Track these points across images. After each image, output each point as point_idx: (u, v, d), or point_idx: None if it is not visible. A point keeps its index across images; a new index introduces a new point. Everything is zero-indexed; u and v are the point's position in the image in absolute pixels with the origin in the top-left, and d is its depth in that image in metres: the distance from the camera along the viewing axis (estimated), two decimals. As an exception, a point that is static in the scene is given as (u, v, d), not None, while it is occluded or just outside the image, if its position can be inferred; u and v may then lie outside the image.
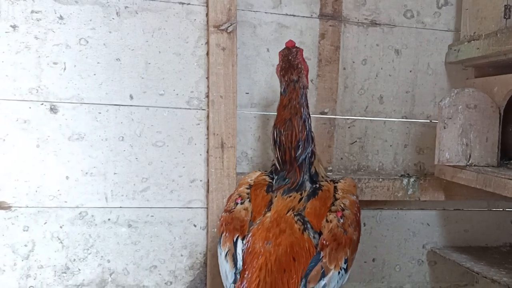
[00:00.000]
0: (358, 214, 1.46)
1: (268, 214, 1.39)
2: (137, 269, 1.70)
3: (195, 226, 1.74)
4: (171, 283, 1.74)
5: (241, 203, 1.43)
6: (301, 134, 1.45)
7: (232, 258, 1.34)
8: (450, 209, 2.07)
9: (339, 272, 1.34)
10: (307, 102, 1.47)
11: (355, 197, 1.48)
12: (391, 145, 1.97)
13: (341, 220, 1.38)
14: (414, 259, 2.04)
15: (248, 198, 1.44)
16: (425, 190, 1.91)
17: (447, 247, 2.05)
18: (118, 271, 1.68)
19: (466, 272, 2.10)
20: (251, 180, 1.51)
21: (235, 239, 1.37)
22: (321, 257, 1.32)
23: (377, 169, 1.97)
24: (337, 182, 1.52)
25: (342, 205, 1.41)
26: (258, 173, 1.54)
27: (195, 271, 1.76)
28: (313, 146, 1.48)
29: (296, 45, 1.52)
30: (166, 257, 1.73)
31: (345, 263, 1.36)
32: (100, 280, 1.67)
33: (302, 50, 1.52)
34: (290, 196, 1.43)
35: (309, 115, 1.48)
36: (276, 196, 1.43)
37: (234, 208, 1.43)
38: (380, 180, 1.87)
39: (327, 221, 1.38)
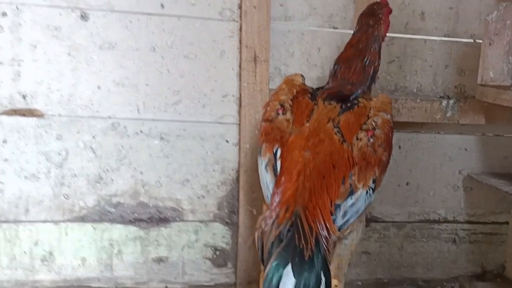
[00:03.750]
0: (390, 134, 1.41)
1: (307, 124, 1.35)
2: (170, 182, 1.70)
3: (227, 142, 1.72)
4: (203, 197, 1.74)
5: (283, 114, 1.38)
6: (357, 75, 1.45)
7: (273, 169, 1.33)
8: (490, 134, 1.99)
9: (367, 192, 1.31)
10: (377, 51, 1.47)
11: (389, 115, 1.41)
12: (430, 66, 1.88)
13: (371, 140, 1.34)
14: (449, 185, 1.98)
15: (290, 109, 1.39)
16: (465, 112, 1.84)
17: (484, 173, 1.99)
18: (151, 183, 1.69)
19: (503, 199, 2.05)
20: (295, 88, 1.44)
21: (274, 150, 1.34)
22: (350, 174, 1.30)
23: (415, 90, 1.89)
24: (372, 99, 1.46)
25: (373, 123, 1.36)
26: (300, 77, 1.49)
27: (227, 187, 1.75)
28: (366, 87, 1.46)
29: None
30: (198, 172, 1.72)
31: (373, 183, 1.33)
32: (134, 191, 1.68)
33: (391, 10, 1.52)
34: (331, 104, 1.38)
35: (376, 62, 1.47)
36: (317, 104, 1.39)
37: (275, 118, 1.38)
38: (418, 101, 1.80)
39: (357, 138, 1.34)
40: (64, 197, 1.63)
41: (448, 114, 1.83)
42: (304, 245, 1.16)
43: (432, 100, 1.81)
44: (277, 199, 1.26)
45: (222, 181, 1.75)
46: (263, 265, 1.22)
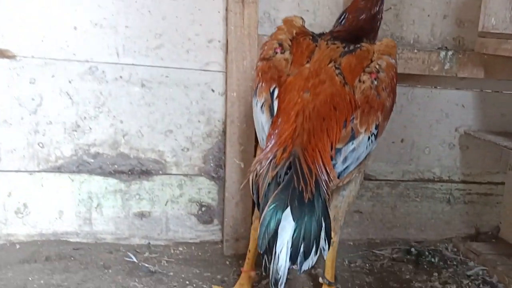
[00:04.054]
0: (395, 79, 1.34)
1: (307, 65, 1.28)
2: (152, 133, 1.61)
3: (213, 91, 1.63)
4: (187, 149, 1.65)
5: (281, 53, 1.31)
6: (366, 23, 1.43)
7: (269, 109, 1.25)
8: (488, 90, 1.90)
9: (369, 138, 1.24)
10: (383, 8, 1.48)
11: (393, 60, 1.34)
12: (429, 15, 1.78)
13: (375, 82, 1.27)
14: (445, 142, 1.91)
15: (289, 49, 1.32)
16: (463, 65, 1.75)
17: (481, 130, 1.92)
18: (131, 133, 1.60)
19: (499, 159, 1.98)
20: (294, 29, 1.36)
21: (271, 90, 1.27)
22: (352, 118, 1.23)
23: (411, 41, 1.80)
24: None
25: (377, 66, 1.30)
26: (300, 19, 1.40)
27: (213, 139, 1.66)
28: (371, 38, 1.45)
29: None
30: (182, 122, 1.63)
31: (375, 128, 1.26)
32: (113, 141, 1.59)
33: None
34: (334, 44, 1.32)
35: (381, 18, 1.49)
36: (319, 46, 1.32)
37: (273, 57, 1.31)
38: (415, 51, 1.71)
39: (360, 81, 1.27)
40: (39, 145, 1.54)
41: (446, 67, 1.74)
42: (304, 187, 1.09)
43: (430, 51, 1.72)
44: (273, 140, 1.19)
45: (208, 133, 1.66)
46: (259, 210, 1.14)
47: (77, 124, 1.55)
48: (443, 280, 1.69)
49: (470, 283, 1.67)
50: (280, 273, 1.05)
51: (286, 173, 1.11)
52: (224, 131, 1.65)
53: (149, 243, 1.68)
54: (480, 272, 1.75)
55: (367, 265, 1.77)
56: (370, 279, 1.67)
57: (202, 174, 1.68)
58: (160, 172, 1.64)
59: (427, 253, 1.86)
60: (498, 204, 2.01)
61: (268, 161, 1.14)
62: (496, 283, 1.67)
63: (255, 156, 1.63)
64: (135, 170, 1.61)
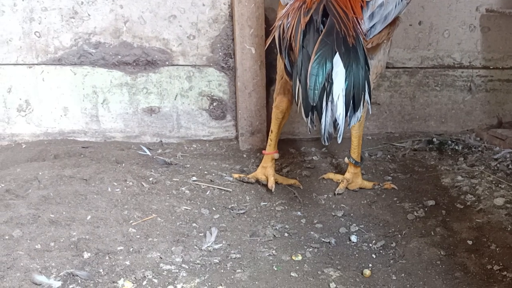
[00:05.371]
0: None
1: None
2: (155, 18, 1.50)
3: (216, -30, 1.51)
4: (193, 37, 1.54)
5: None
6: None
7: None
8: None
9: None
10: None
11: None
12: None
13: None
14: (465, 24, 1.79)
15: None
16: None
17: (504, 8, 1.80)
18: (133, 19, 1.49)
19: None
20: None
21: None
22: None
23: None
24: None
25: None
26: None
27: (220, 25, 1.55)
28: None
29: None
30: (186, 6, 1.51)
31: None
32: (114, 29, 1.48)
33: None
34: None
35: None
36: None
37: None
38: None
39: None
40: (36, 35, 1.43)
41: None
42: (345, 31, 1.01)
43: None
44: None
45: (214, 18, 1.55)
46: (289, 71, 1.07)
47: (74, 10, 1.44)
48: (469, 163, 1.61)
49: (498, 165, 1.60)
50: (340, 122, 0.99)
51: (322, 21, 1.03)
52: (231, 15, 1.54)
53: (161, 141, 1.60)
54: (508, 155, 1.67)
55: (388, 156, 1.69)
56: (393, 166, 1.60)
57: (211, 64, 1.58)
58: (167, 63, 1.54)
59: (449, 142, 1.78)
60: (521, 90, 1.93)
61: (297, 9, 1.05)
62: (526, 163, 1.60)
63: (266, 40, 1.53)
64: (140, 61, 1.51)
